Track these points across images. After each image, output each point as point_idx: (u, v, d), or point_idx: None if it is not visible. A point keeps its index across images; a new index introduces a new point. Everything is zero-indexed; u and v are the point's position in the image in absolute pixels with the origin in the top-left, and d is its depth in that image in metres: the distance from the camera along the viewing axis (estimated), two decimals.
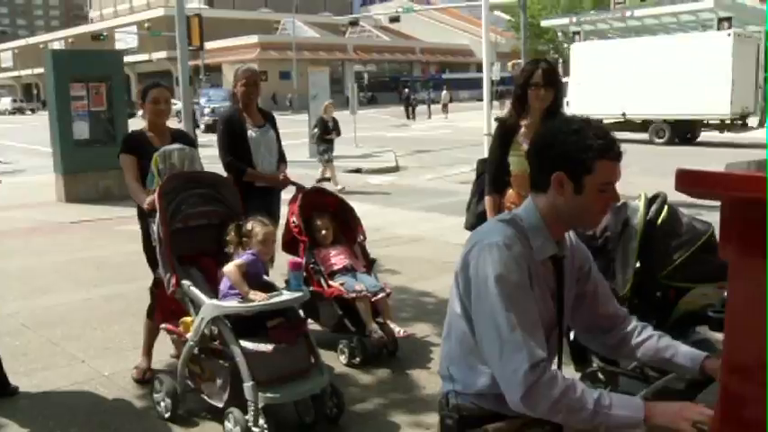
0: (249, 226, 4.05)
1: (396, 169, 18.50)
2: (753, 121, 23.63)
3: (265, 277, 4.21)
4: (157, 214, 4.14)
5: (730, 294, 1.56)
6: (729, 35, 22.54)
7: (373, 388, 4.62)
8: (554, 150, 2.20)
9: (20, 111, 69.40)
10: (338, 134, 14.88)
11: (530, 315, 2.15)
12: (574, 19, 39.90)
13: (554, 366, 2.25)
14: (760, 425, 1.47)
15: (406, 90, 49.58)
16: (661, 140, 23.52)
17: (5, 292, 6.80)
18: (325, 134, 14.44)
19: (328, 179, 5.62)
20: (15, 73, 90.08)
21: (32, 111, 68.02)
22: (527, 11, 33.21)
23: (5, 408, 4.36)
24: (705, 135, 24.05)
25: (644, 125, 23.89)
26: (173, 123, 5.30)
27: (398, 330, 5.06)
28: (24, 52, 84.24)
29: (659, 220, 3.24)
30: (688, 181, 1.45)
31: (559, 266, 2.34)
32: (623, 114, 23.77)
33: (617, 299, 2.84)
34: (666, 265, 3.17)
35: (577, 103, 24.02)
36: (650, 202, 3.31)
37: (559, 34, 52.08)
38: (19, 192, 13.86)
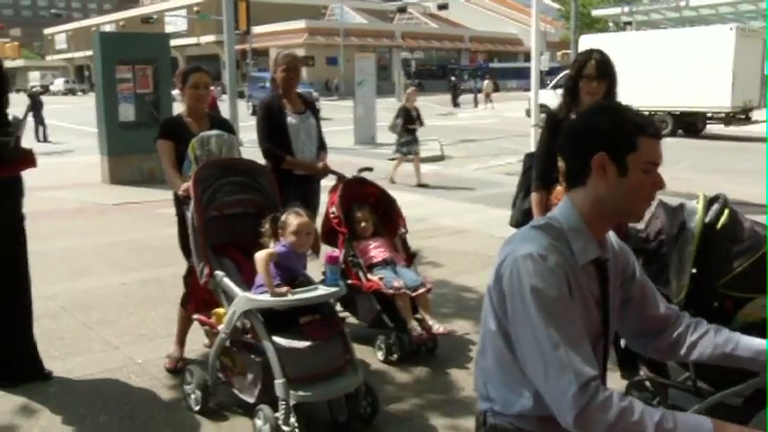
0: (283, 217, 3.90)
1: (441, 158, 18.27)
2: (759, 114, 23.36)
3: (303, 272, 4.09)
4: (192, 201, 4.03)
5: None
6: (732, 29, 22.28)
7: (410, 387, 4.46)
8: (591, 131, 2.03)
9: (71, 92, 70.70)
10: (421, 124, 13.88)
11: (573, 329, 1.95)
12: (626, 9, 39.10)
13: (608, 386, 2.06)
14: None
15: (453, 78, 49.20)
16: (663, 132, 23.17)
17: (47, 273, 6.79)
18: (409, 124, 13.52)
19: (371, 169, 5.41)
20: (69, 55, 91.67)
21: (83, 92, 69.15)
22: (578, 0, 32.66)
23: (38, 392, 4.33)
24: (711, 128, 24.12)
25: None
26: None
27: (438, 327, 4.89)
28: (77, 35, 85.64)
29: (719, 224, 3.01)
30: None
31: (603, 270, 2.14)
32: (650, 111, 23.46)
33: None
34: (725, 273, 2.94)
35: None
36: (709, 203, 3.09)
37: (611, 24, 51.15)
38: (66, 172, 14.00)
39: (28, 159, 4.44)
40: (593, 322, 2.11)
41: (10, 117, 4.40)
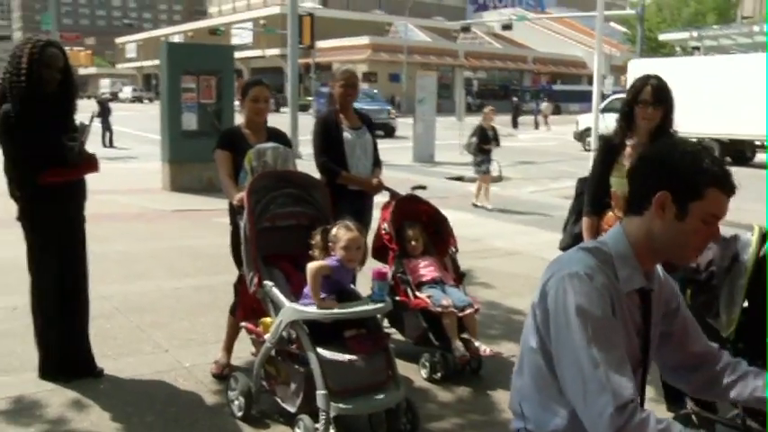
0: (334, 231, 3.94)
1: (499, 179, 18.16)
2: None
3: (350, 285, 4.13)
4: (245, 211, 4.11)
5: None
6: None
7: (451, 406, 4.45)
8: (665, 167, 2.00)
9: (138, 99, 72.63)
10: (497, 144, 13.60)
11: (615, 351, 1.95)
12: (695, 33, 38.39)
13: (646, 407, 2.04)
14: None
15: (515, 99, 48.96)
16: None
17: (104, 275, 6.97)
18: (484, 143, 13.21)
19: (424, 187, 5.42)
20: (137, 64, 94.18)
21: (149, 100, 70.92)
22: (645, 23, 32.23)
23: (90, 389, 4.46)
24: (761, 157, 23.10)
25: None
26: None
27: (484, 349, 4.88)
28: (147, 44, 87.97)
29: None
30: None
31: (647, 300, 2.13)
32: (675, 132, 22.67)
33: (719, 340, 2.59)
34: None
35: None
36: (764, 236, 3.03)
37: (678, 49, 50.27)
38: (128, 177, 14.37)
39: (91, 163, 4.60)
40: (633, 350, 2.10)
41: (77, 122, 4.58)
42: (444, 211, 5.68)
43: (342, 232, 3.89)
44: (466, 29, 59.32)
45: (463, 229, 9.79)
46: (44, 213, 4.42)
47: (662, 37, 43.90)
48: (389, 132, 31.11)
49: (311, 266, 3.83)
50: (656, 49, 51.75)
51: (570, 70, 72.89)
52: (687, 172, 1.97)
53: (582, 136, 27.11)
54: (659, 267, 2.23)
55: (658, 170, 2.02)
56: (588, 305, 1.95)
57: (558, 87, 64.68)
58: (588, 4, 26.34)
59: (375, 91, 38.58)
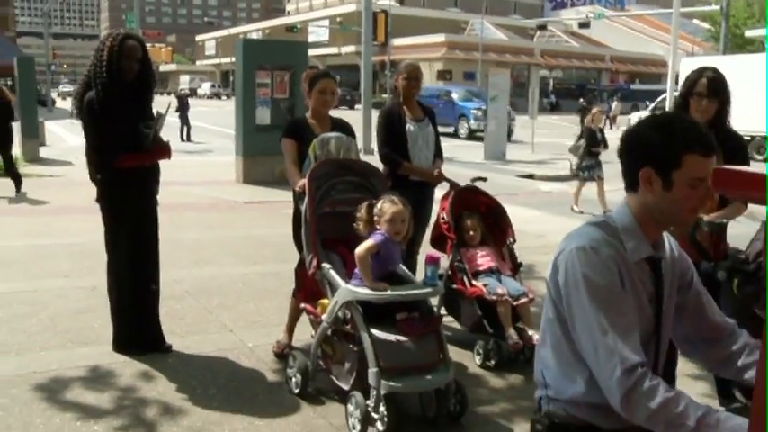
0: (379, 204, 4.05)
1: (569, 178, 18.03)
2: None
3: (404, 267, 4.27)
4: (306, 197, 4.30)
5: None
6: None
7: (502, 392, 4.55)
8: (641, 145, 2.13)
9: (216, 96, 74.34)
10: (606, 147, 12.40)
11: (622, 318, 2.08)
12: None
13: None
14: None
15: (581, 100, 48.27)
16: (761, 157, 22.26)
17: (177, 259, 7.30)
18: (593, 146, 12.41)
19: (485, 179, 5.44)
20: (216, 60, 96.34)
21: (227, 96, 72.49)
22: (731, 19, 31.19)
23: (158, 362, 4.75)
24: None
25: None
26: None
27: (537, 338, 4.93)
28: (225, 42, 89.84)
29: None
30: (727, 181, 1.28)
31: (657, 269, 2.23)
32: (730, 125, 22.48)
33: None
34: None
35: None
36: None
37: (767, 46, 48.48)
38: (203, 169, 14.84)
39: (164, 150, 4.89)
40: (647, 317, 2.21)
41: (154, 112, 4.87)
42: (512, 208, 5.75)
43: (387, 206, 4.01)
44: (543, 27, 58.82)
45: (529, 225, 9.85)
46: (120, 196, 4.72)
47: (748, 33, 42.46)
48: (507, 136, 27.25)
49: (358, 251, 3.97)
50: (742, 45, 50.07)
51: (650, 69, 71.18)
52: (661, 144, 2.08)
53: None
54: (672, 241, 2.34)
55: (636, 148, 2.15)
56: (594, 276, 2.08)
57: (636, 87, 63.30)
58: (669, 1, 25.70)
59: (480, 89, 34.65)
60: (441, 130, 5.88)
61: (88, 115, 4.61)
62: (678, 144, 2.06)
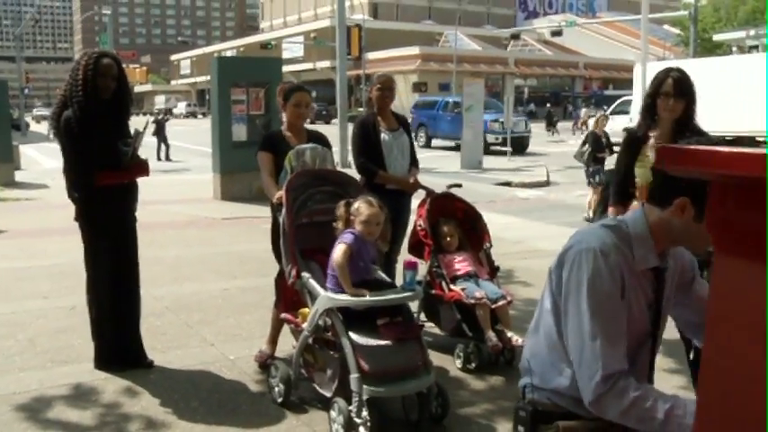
0: (356, 204, 4.13)
1: (546, 184, 18.21)
2: None
3: (382, 273, 4.31)
4: (284, 208, 4.34)
5: (714, 284, 1.36)
6: None
7: (483, 394, 4.60)
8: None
9: (192, 114, 74.27)
10: (611, 152, 12.06)
11: (614, 326, 2.14)
12: (752, 32, 37.64)
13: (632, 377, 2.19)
14: None
15: (548, 105, 48.85)
16: None
17: (158, 277, 7.31)
18: (599, 152, 12.35)
19: (460, 185, 5.51)
20: (191, 80, 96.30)
21: (203, 115, 72.46)
22: (699, 24, 31.71)
23: (140, 378, 4.74)
24: None
25: None
26: None
27: (516, 339, 5.00)
28: (200, 60, 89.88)
29: None
30: (673, 158, 1.34)
31: (660, 278, 2.29)
32: (699, 126, 23.11)
33: None
34: None
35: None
36: None
37: (734, 49, 49.22)
38: (181, 188, 14.84)
39: (142, 168, 4.91)
40: (643, 324, 2.26)
41: (131, 129, 4.89)
42: (490, 215, 5.82)
43: (363, 207, 4.09)
44: (516, 36, 59.41)
45: (508, 231, 9.95)
46: (99, 214, 4.73)
47: (717, 37, 43.09)
48: (522, 149, 26.66)
49: (336, 259, 4.01)
50: (711, 49, 50.80)
51: (622, 75, 71.87)
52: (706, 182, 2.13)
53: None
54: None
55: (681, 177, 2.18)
56: (598, 281, 2.13)
57: (610, 92, 63.93)
58: (640, 8, 26.09)
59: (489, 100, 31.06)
60: (450, 144, 5.94)
61: (66, 134, 4.62)
62: None
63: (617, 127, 24.37)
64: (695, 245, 2.26)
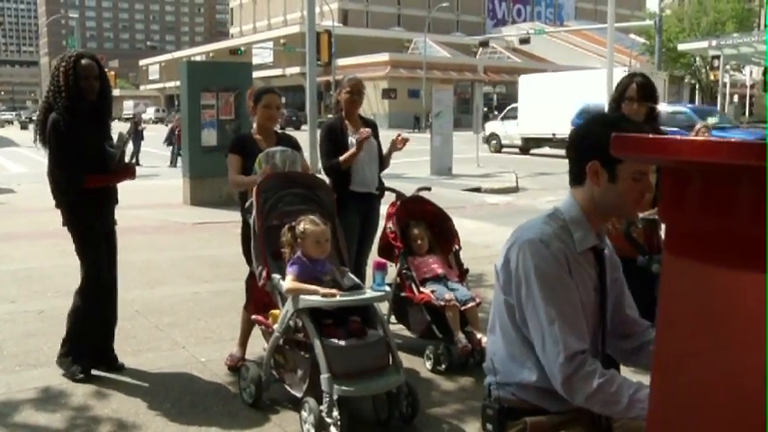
0: (302, 226, 4.18)
1: (515, 190, 18.36)
2: None
3: (352, 276, 4.36)
4: (254, 210, 4.37)
5: (666, 271, 1.34)
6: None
7: (453, 394, 4.66)
8: (588, 140, 2.30)
9: (161, 120, 73.59)
10: None
11: (569, 307, 2.23)
12: (714, 42, 38.38)
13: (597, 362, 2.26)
14: None
15: (485, 109, 49.19)
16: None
17: (127, 282, 7.21)
18: None
19: (429, 188, 5.59)
20: (160, 85, 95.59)
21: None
22: (664, 34, 32.19)
23: (110, 381, 4.75)
24: None
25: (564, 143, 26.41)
26: None
27: (485, 340, 5.05)
28: (169, 66, 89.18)
29: None
30: (623, 146, 1.40)
31: (600, 258, 2.39)
32: (554, 134, 27.21)
33: None
34: None
35: (524, 124, 29.84)
36: None
37: (697, 59, 50.12)
38: (151, 193, 14.72)
39: (128, 171, 4.91)
40: (592, 306, 2.34)
41: (113, 132, 4.88)
42: (459, 220, 5.88)
43: (309, 227, 4.15)
44: (485, 44, 59.64)
45: (478, 236, 10.02)
46: (87, 218, 4.69)
47: (681, 47, 43.89)
48: None
49: (289, 288, 4.04)
50: (675, 59, 51.65)
51: None
52: (607, 139, 2.22)
53: (488, 140, 31.63)
54: (609, 243, 2.51)
55: (584, 144, 2.31)
56: (544, 267, 2.21)
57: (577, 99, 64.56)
58: (606, 17, 26.37)
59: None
60: None
61: (54, 137, 4.55)
62: None
63: (509, 131, 30.92)
64: (623, 209, 2.35)
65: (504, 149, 31.30)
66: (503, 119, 32.14)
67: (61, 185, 4.70)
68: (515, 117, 30.69)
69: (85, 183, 4.60)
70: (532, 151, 30.09)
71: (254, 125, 5.20)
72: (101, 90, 4.71)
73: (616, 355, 2.62)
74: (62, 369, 4.79)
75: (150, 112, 76.73)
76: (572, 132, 2.40)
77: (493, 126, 32.39)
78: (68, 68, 4.56)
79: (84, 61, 4.64)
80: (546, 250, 2.23)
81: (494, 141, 31.95)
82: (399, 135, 5.74)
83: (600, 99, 21.77)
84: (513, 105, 32.16)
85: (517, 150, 30.80)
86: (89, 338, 4.83)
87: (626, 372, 2.71)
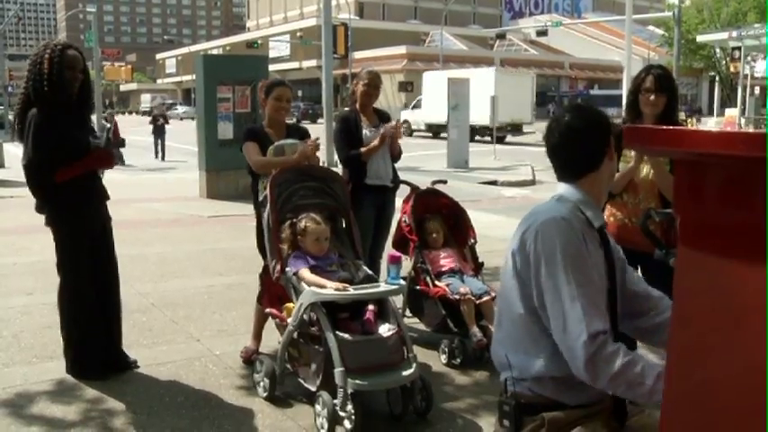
0: (302, 224, 4.21)
1: (532, 183, 18.27)
2: (530, 127, 34.28)
3: (366, 269, 4.35)
4: (268, 203, 4.36)
5: (681, 265, 1.31)
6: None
7: (468, 388, 4.63)
8: (604, 123, 2.43)
9: (192, 118, 72.22)
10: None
11: (592, 287, 2.21)
12: (734, 33, 37.86)
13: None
14: None
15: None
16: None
17: (143, 274, 7.30)
18: None
19: (445, 181, 5.56)
20: (177, 78, 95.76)
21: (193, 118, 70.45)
22: (683, 25, 31.82)
23: (125, 373, 4.78)
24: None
25: None
26: None
27: None
28: (186, 59, 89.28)
29: None
30: (635, 138, 1.38)
31: (605, 240, 2.41)
32: (681, 120, 27.39)
33: None
34: None
35: (427, 112, 35.91)
36: None
37: (717, 50, 49.53)
38: (167, 186, 14.78)
39: (103, 158, 4.63)
40: (604, 280, 2.33)
41: (94, 124, 4.79)
42: (476, 214, 5.84)
43: (311, 225, 4.21)
44: (501, 36, 59.45)
45: (493, 230, 9.95)
46: (68, 216, 4.55)
47: (700, 38, 43.37)
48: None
49: (310, 279, 4.10)
50: (695, 50, 51.12)
51: (608, 75, 72.20)
52: (609, 126, 2.44)
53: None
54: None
55: (603, 127, 2.40)
56: (568, 244, 2.22)
57: (596, 92, 64.17)
58: (624, 9, 26.01)
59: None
60: None
61: (35, 129, 4.34)
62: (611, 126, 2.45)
63: (417, 118, 37.46)
64: (609, 185, 2.57)
65: (415, 133, 37.63)
66: (412, 108, 39.51)
67: (37, 180, 4.46)
68: (421, 107, 37.73)
69: (59, 175, 4.37)
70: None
71: (266, 118, 5.19)
72: (82, 84, 4.56)
73: (633, 334, 2.59)
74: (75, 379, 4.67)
75: (180, 110, 69.70)
76: (570, 125, 2.39)
77: (405, 114, 38.37)
78: (54, 56, 4.37)
79: (71, 52, 4.48)
80: (568, 227, 2.24)
81: (405, 125, 35.26)
82: (398, 121, 5.72)
83: (485, 95, 25.34)
84: (420, 98, 38.83)
85: (430, 135, 36.27)
86: (91, 343, 4.68)
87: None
